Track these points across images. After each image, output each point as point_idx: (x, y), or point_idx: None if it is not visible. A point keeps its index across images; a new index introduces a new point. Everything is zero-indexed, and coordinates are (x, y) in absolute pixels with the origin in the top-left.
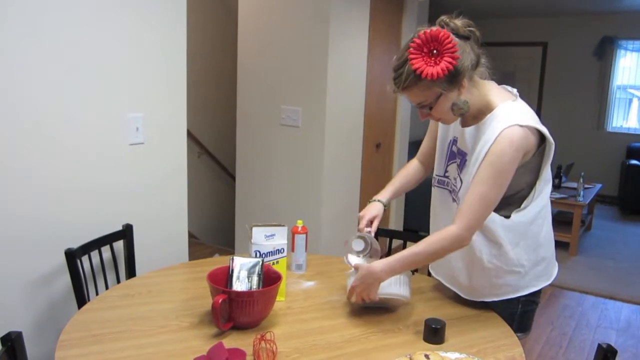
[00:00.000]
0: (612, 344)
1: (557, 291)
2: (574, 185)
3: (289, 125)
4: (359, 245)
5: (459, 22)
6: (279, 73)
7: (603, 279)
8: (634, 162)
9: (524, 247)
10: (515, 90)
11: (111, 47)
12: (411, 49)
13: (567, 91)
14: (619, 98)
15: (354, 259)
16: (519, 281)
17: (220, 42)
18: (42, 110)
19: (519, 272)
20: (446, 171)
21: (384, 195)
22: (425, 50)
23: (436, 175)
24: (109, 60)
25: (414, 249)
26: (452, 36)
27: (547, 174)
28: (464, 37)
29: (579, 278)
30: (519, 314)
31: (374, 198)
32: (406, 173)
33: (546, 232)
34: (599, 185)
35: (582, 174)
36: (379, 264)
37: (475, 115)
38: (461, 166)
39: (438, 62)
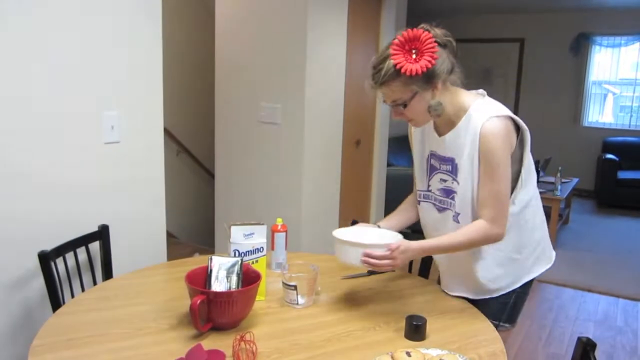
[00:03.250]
0: (591, 336)
1: (535, 284)
2: (552, 179)
3: (268, 123)
4: None
5: (438, 31)
6: (258, 70)
7: (581, 272)
8: (609, 156)
9: (519, 233)
10: (483, 91)
11: (85, 44)
12: (394, 45)
13: (544, 87)
14: (594, 93)
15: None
16: (521, 267)
17: (198, 38)
18: (13, 109)
19: (517, 258)
20: (429, 185)
21: (385, 222)
22: (407, 47)
23: (419, 191)
24: (83, 58)
25: (449, 238)
26: (432, 37)
27: (529, 163)
28: (442, 45)
29: (557, 271)
30: (511, 305)
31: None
32: (406, 205)
33: (540, 218)
34: (575, 180)
35: (560, 168)
36: (417, 244)
37: (451, 121)
38: (453, 171)
39: (417, 60)
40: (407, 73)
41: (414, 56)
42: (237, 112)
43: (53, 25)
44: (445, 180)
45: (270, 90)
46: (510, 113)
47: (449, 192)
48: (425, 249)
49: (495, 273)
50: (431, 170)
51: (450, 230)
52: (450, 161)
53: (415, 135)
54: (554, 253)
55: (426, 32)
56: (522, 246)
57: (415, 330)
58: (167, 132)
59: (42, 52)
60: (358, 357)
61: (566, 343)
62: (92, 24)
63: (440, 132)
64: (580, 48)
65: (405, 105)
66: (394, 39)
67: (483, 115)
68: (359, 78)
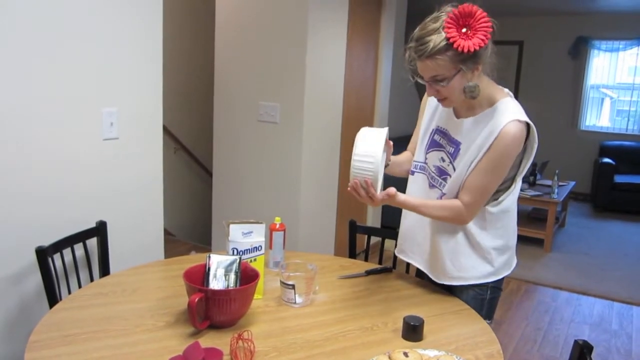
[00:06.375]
0: (586, 339)
1: (531, 287)
2: (549, 182)
3: (267, 122)
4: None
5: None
6: (257, 68)
7: (576, 275)
8: (606, 160)
9: (494, 235)
10: (509, 92)
11: (84, 40)
12: (448, 19)
13: (542, 90)
14: (592, 97)
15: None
16: (486, 267)
17: (198, 36)
18: (14, 106)
19: (487, 258)
20: (426, 158)
21: None
22: (460, 22)
23: (416, 161)
24: (82, 54)
25: (427, 203)
26: (487, 15)
27: (524, 171)
28: None
29: (553, 274)
30: (488, 300)
31: None
32: (400, 157)
33: (514, 224)
34: (572, 183)
35: (557, 171)
36: (402, 196)
37: (471, 107)
38: (454, 155)
39: (470, 37)
40: (459, 49)
41: (466, 32)
42: (236, 111)
43: (53, 22)
44: (443, 160)
45: (270, 89)
46: (530, 121)
47: (442, 173)
48: (402, 201)
49: (461, 262)
50: (431, 145)
51: None
52: (456, 145)
53: (428, 108)
54: (515, 261)
55: (481, 10)
56: (495, 248)
57: (413, 330)
58: (165, 129)
59: (41, 48)
60: (355, 357)
61: (561, 346)
62: (93, 20)
63: (458, 114)
64: (579, 52)
65: (444, 83)
66: (447, 11)
67: (509, 115)
68: (358, 78)
